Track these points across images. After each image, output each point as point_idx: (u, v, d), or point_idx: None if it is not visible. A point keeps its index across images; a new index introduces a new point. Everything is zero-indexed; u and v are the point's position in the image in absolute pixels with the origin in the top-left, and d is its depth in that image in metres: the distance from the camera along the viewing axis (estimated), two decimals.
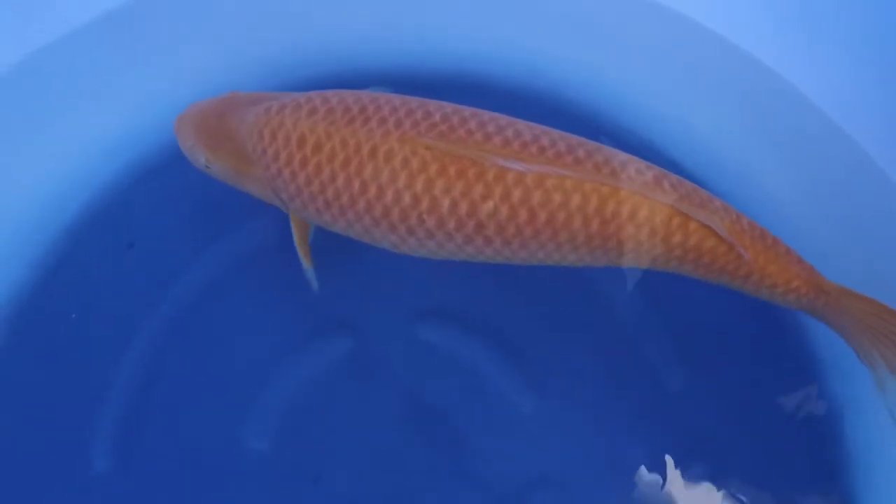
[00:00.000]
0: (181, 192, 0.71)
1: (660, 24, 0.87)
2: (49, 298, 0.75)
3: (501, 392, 0.72)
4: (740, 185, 0.80)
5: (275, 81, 0.82)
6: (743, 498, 0.68)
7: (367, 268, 0.69)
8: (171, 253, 0.77)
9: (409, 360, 0.73)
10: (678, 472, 0.68)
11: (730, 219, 0.59)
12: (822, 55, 0.81)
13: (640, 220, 0.58)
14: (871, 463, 0.70)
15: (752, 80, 0.85)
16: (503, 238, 0.60)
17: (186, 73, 0.82)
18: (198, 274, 0.76)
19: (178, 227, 0.77)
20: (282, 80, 0.83)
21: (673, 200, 0.58)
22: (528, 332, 0.74)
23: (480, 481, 0.69)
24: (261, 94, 0.69)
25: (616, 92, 0.86)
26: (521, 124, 0.60)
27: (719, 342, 0.75)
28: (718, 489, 0.68)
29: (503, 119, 0.60)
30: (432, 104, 0.61)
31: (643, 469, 0.69)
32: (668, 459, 0.69)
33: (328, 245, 0.69)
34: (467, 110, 0.61)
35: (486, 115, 0.61)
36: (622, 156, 0.60)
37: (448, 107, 0.61)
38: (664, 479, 0.68)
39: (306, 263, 0.68)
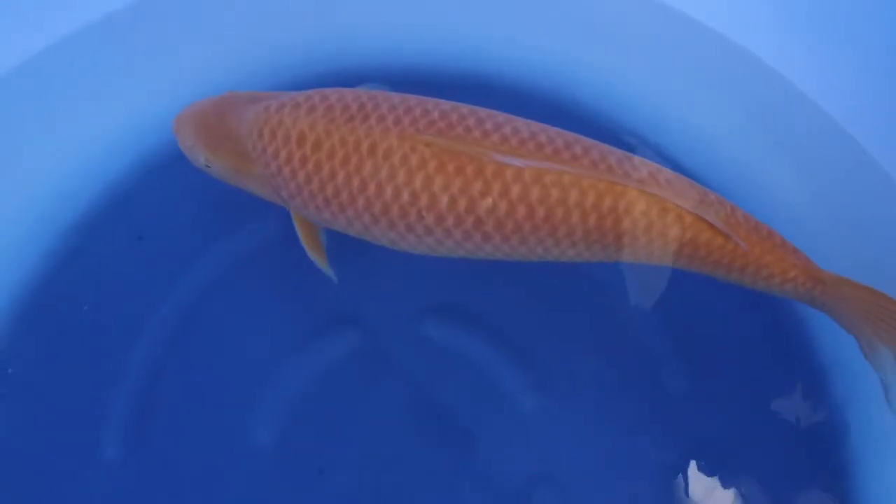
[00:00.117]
0: (191, 187, 0.72)
1: (662, 23, 0.88)
2: (61, 289, 0.76)
3: (506, 390, 0.72)
4: (741, 185, 0.80)
5: (275, 81, 0.83)
6: (746, 499, 0.69)
7: (376, 264, 0.70)
8: (181, 246, 0.78)
9: (415, 357, 0.74)
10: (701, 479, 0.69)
11: (725, 212, 0.60)
12: (823, 55, 0.81)
13: (637, 214, 0.59)
14: (874, 464, 0.70)
15: (754, 79, 0.85)
16: (502, 234, 0.60)
17: (189, 72, 0.83)
18: (207, 267, 0.77)
19: (188, 221, 0.77)
20: (281, 79, 0.83)
21: (668, 195, 0.59)
22: (534, 331, 0.75)
23: (483, 477, 0.70)
24: (259, 94, 0.69)
25: (618, 92, 0.86)
26: (519, 122, 0.61)
27: (723, 344, 0.76)
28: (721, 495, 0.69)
29: (500, 116, 0.61)
30: (430, 102, 0.62)
31: (670, 480, 0.69)
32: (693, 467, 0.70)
33: (336, 241, 0.69)
34: (465, 108, 0.61)
35: (484, 112, 0.61)
36: (618, 152, 0.61)
37: (446, 104, 0.61)
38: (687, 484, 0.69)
39: (319, 261, 0.69)
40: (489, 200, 0.58)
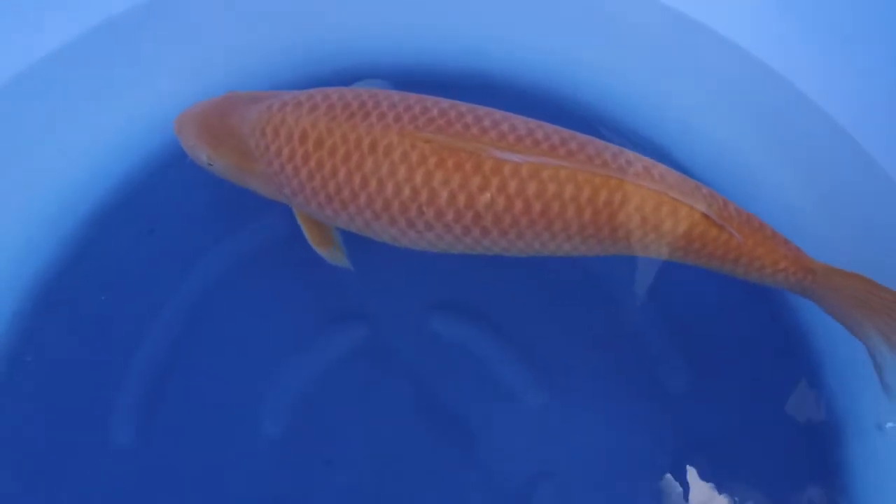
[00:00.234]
0: (203, 182, 0.72)
1: (667, 26, 0.88)
2: (75, 280, 0.77)
3: (510, 386, 0.73)
4: (744, 187, 0.80)
5: (277, 80, 0.84)
6: (744, 498, 0.70)
7: (382, 261, 0.71)
8: (193, 239, 0.79)
9: (421, 352, 0.75)
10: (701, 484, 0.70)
11: (717, 205, 0.62)
12: (828, 58, 0.82)
13: (631, 208, 0.60)
14: (872, 464, 0.71)
15: (758, 82, 0.86)
16: (500, 228, 0.62)
17: (197, 72, 0.84)
18: (218, 260, 0.78)
19: (200, 215, 0.78)
20: (282, 79, 0.84)
21: (662, 189, 0.60)
22: (538, 328, 0.76)
23: (486, 472, 0.71)
24: (260, 93, 0.70)
25: (621, 93, 0.87)
26: (516, 118, 0.62)
27: (724, 343, 0.77)
28: (721, 492, 0.70)
29: (498, 113, 0.62)
30: (429, 100, 0.63)
31: (670, 477, 0.70)
32: (692, 472, 0.70)
33: (343, 238, 0.70)
34: (463, 105, 0.63)
35: (482, 110, 0.63)
36: (613, 147, 0.62)
37: (444, 102, 0.63)
38: (686, 489, 0.70)
39: (328, 255, 0.70)
40: (487, 195, 0.60)
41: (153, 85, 0.84)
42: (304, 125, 0.62)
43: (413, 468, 0.71)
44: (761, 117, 0.85)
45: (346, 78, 0.74)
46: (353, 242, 0.69)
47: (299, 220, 0.69)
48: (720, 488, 0.70)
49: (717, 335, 0.78)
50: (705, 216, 0.61)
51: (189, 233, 0.79)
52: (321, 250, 0.70)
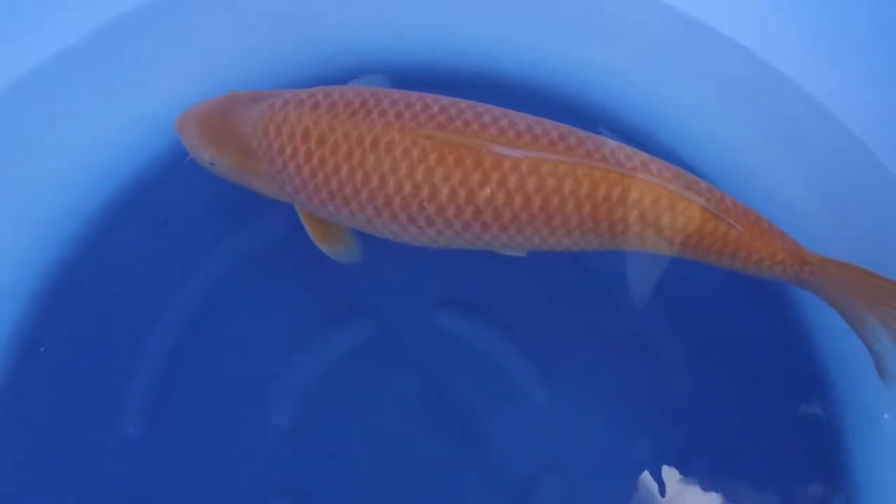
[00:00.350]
0: (211, 178, 0.73)
1: (670, 25, 0.88)
2: (87, 271, 0.78)
3: (515, 383, 0.74)
4: (750, 190, 0.79)
5: (280, 80, 0.84)
6: (746, 496, 0.70)
7: (391, 256, 0.71)
8: (205, 232, 0.79)
9: (428, 347, 0.75)
10: (679, 482, 0.70)
11: (715, 199, 0.62)
12: (837, 62, 0.82)
13: (630, 203, 0.61)
14: (875, 468, 0.71)
15: (762, 82, 0.86)
16: (500, 223, 0.62)
17: (203, 71, 0.84)
18: (226, 255, 0.78)
19: (213, 207, 0.79)
20: (290, 78, 0.84)
21: (660, 183, 0.61)
22: (544, 326, 0.76)
23: (490, 467, 0.71)
24: (261, 92, 0.71)
25: (623, 92, 0.87)
26: (515, 115, 0.63)
27: (729, 345, 0.77)
28: (723, 490, 0.70)
29: (497, 110, 0.63)
30: (429, 97, 0.64)
31: (647, 475, 0.70)
32: (669, 470, 0.71)
33: (354, 233, 0.71)
34: (463, 102, 0.63)
35: (482, 106, 0.63)
36: (611, 143, 0.63)
37: (445, 100, 0.63)
38: (663, 487, 0.70)
39: (332, 251, 0.70)
40: (487, 190, 0.60)
41: (159, 84, 0.84)
42: (306, 123, 0.63)
43: (417, 463, 0.71)
44: (765, 117, 0.85)
45: (346, 78, 0.74)
46: (360, 239, 0.70)
47: (302, 219, 0.70)
48: (723, 486, 0.70)
49: (722, 333, 0.78)
50: (703, 210, 0.61)
51: (200, 228, 0.80)
52: (325, 247, 0.70)
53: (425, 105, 0.62)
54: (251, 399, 0.73)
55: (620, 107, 0.86)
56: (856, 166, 0.80)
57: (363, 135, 0.61)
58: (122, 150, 0.82)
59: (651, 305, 0.77)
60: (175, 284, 0.77)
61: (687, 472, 0.71)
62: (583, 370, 0.75)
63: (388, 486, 0.70)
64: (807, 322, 0.77)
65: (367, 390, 0.74)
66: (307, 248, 0.70)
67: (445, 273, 0.77)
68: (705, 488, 0.70)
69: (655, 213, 0.61)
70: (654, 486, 0.70)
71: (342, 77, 0.74)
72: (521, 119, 0.62)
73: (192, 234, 0.80)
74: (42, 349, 0.74)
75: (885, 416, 0.72)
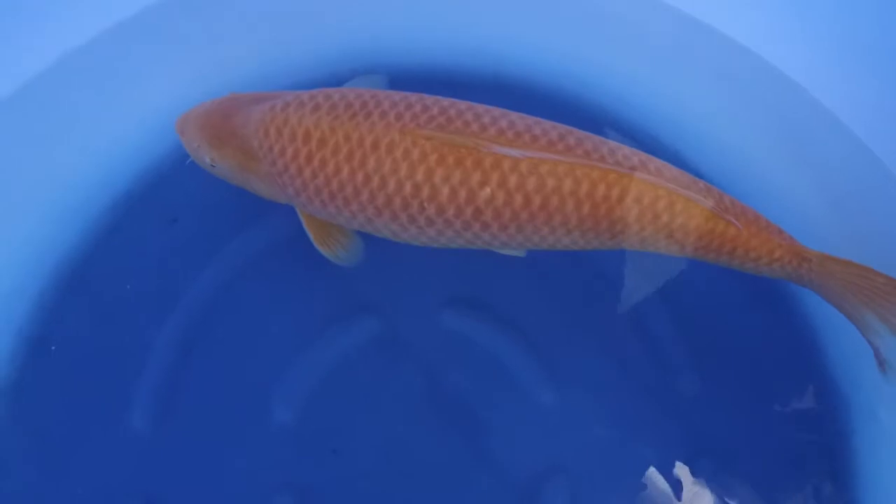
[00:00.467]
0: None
1: (671, 26, 0.89)
2: (97, 267, 0.78)
3: (521, 383, 0.74)
4: (758, 195, 0.79)
5: (283, 82, 0.85)
6: (750, 500, 0.70)
7: (398, 255, 0.72)
8: (214, 230, 0.80)
9: (433, 346, 0.76)
10: (691, 483, 0.71)
11: (713, 197, 0.63)
12: (846, 69, 0.81)
13: (629, 202, 0.61)
14: (880, 473, 0.71)
15: (777, 92, 0.86)
16: (500, 223, 0.63)
17: (214, 72, 0.85)
18: (236, 252, 0.79)
19: (222, 205, 0.80)
20: (290, 80, 0.85)
21: (659, 183, 0.61)
22: (550, 326, 0.77)
23: (495, 466, 0.71)
24: (262, 94, 0.71)
25: (624, 93, 0.88)
26: (514, 115, 0.63)
27: (735, 346, 0.78)
28: (727, 492, 0.71)
29: (497, 111, 0.64)
30: (429, 98, 0.64)
31: (654, 471, 0.71)
32: (682, 468, 0.71)
33: (358, 235, 0.71)
34: (462, 103, 0.64)
35: (481, 107, 0.64)
36: (610, 143, 0.63)
37: (444, 101, 0.64)
38: (676, 487, 0.71)
39: (331, 255, 0.70)
40: (487, 190, 0.61)
41: (168, 83, 0.85)
42: (306, 125, 0.63)
43: (421, 461, 0.72)
44: (768, 118, 0.85)
45: (346, 79, 0.75)
46: (365, 240, 0.70)
47: (303, 221, 0.70)
48: (727, 488, 0.71)
49: (727, 334, 0.78)
50: (702, 209, 0.62)
51: (209, 226, 0.81)
52: (324, 250, 0.70)
53: (425, 106, 0.63)
54: (257, 396, 0.73)
55: (621, 107, 0.87)
56: (863, 171, 0.81)
57: (364, 136, 0.62)
58: (131, 149, 0.83)
59: (657, 306, 0.77)
60: (184, 282, 0.77)
61: (694, 472, 0.71)
62: (588, 369, 0.75)
63: (391, 484, 0.71)
64: (812, 324, 0.77)
65: (371, 389, 0.74)
66: (313, 247, 0.70)
67: (451, 272, 0.77)
68: (712, 489, 0.70)
69: (654, 213, 0.62)
70: (665, 486, 0.70)
71: (342, 78, 0.74)
72: (521, 119, 0.63)
73: (201, 233, 0.80)
74: (53, 348, 0.75)
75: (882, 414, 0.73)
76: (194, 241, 0.80)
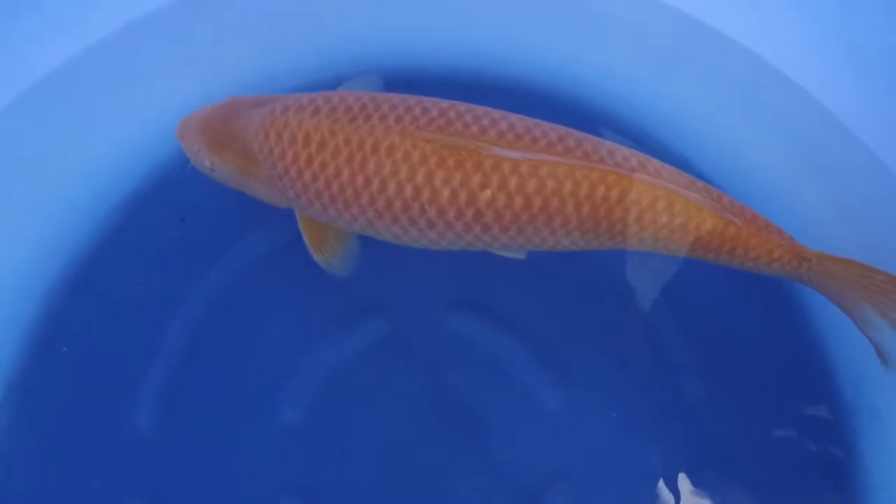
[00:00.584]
0: None
1: (671, 27, 0.89)
2: (105, 265, 0.79)
3: (527, 386, 0.74)
4: (767, 202, 0.77)
5: (284, 85, 0.85)
6: None
7: (405, 257, 0.72)
8: (221, 229, 0.80)
9: (440, 348, 0.76)
10: (691, 493, 0.71)
11: (712, 198, 0.63)
12: (855, 77, 0.81)
13: (628, 203, 0.62)
14: (887, 482, 0.71)
15: (769, 86, 0.86)
16: (501, 225, 0.63)
17: (222, 74, 0.86)
18: (244, 252, 0.79)
19: (229, 206, 0.80)
20: (290, 83, 0.85)
21: (658, 183, 0.62)
22: (558, 331, 0.77)
23: (500, 469, 0.72)
24: (262, 97, 0.71)
25: (624, 93, 0.88)
26: (514, 117, 0.64)
27: (742, 351, 0.78)
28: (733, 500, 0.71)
29: (496, 113, 0.64)
30: (428, 101, 0.64)
31: (662, 483, 0.71)
32: (683, 478, 0.71)
33: (360, 237, 0.71)
34: (462, 105, 0.64)
35: (480, 109, 0.64)
36: (609, 144, 0.63)
37: (443, 103, 0.64)
38: (676, 497, 0.71)
39: (324, 262, 0.71)
40: (488, 192, 0.61)
41: (177, 84, 0.86)
42: (306, 128, 0.64)
43: (426, 463, 0.72)
44: (770, 119, 0.85)
45: (345, 81, 0.75)
46: (369, 240, 0.70)
47: (301, 227, 0.70)
48: (732, 496, 0.71)
49: (734, 339, 0.78)
50: (701, 208, 0.62)
51: (217, 225, 0.81)
52: (318, 257, 0.71)
53: (424, 109, 0.63)
54: (263, 396, 0.74)
55: (621, 108, 0.87)
56: (869, 177, 0.80)
57: (363, 139, 0.62)
58: (139, 148, 0.83)
59: (661, 309, 0.77)
60: (191, 281, 0.78)
61: (697, 478, 0.71)
62: (591, 372, 0.75)
63: (396, 485, 0.71)
64: (827, 340, 0.77)
65: (377, 390, 0.74)
66: None
67: (456, 274, 0.78)
68: (715, 495, 0.70)
69: (653, 213, 0.62)
70: (668, 495, 0.71)
71: (343, 79, 0.74)
72: (520, 121, 0.63)
73: (208, 232, 0.81)
74: (65, 349, 0.75)
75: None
76: (201, 241, 0.80)
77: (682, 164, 0.67)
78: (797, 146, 0.83)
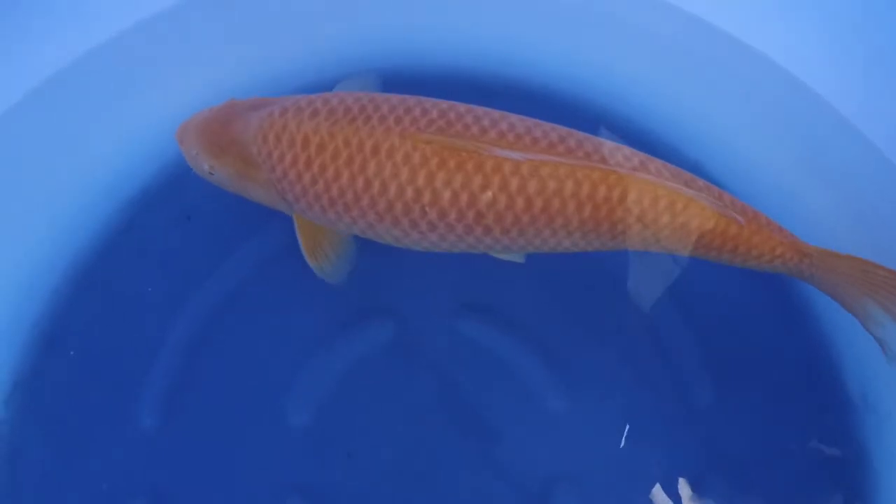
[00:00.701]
0: None
1: (671, 27, 0.88)
2: (110, 264, 0.79)
3: (534, 390, 0.74)
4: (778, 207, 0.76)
5: (284, 86, 0.85)
6: None
7: (413, 259, 0.71)
8: (227, 229, 0.80)
9: (447, 351, 0.75)
10: (690, 499, 0.70)
11: (713, 196, 0.63)
12: (868, 80, 0.81)
13: (629, 203, 0.61)
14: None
15: (771, 86, 0.86)
16: (502, 226, 0.63)
17: (229, 74, 0.86)
18: (251, 250, 0.79)
19: (235, 206, 0.79)
20: (291, 85, 0.85)
21: (659, 182, 0.61)
22: (565, 335, 0.76)
23: (506, 472, 0.71)
24: (260, 100, 0.71)
25: (625, 94, 0.87)
26: (514, 117, 0.63)
27: (751, 356, 0.77)
28: None
29: (496, 113, 0.63)
30: (428, 102, 0.64)
31: (658, 488, 0.71)
32: (683, 484, 0.71)
33: (362, 239, 0.71)
34: (461, 106, 0.64)
35: (480, 110, 0.64)
36: (610, 144, 0.63)
37: (443, 104, 0.64)
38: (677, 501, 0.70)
39: (318, 269, 0.70)
40: (489, 194, 0.61)
41: (182, 85, 0.85)
42: (305, 130, 0.63)
43: (433, 465, 0.72)
44: (772, 120, 0.85)
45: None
46: (372, 243, 0.70)
47: (298, 231, 0.70)
48: (739, 500, 0.71)
49: (743, 343, 0.78)
50: (702, 207, 0.62)
51: (223, 224, 0.81)
52: (312, 262, 0.70)
53: (424, 110, 0.62)
54: (269, 397, 0.73)
55: (621, 108, 0.86)
56: (887, 187, 0.80)
57: (363, 141, 0.61)
58: (145, 148, 0.83)
59: (670, 313, 0.77)
60: (197, 280, 0.78)
61: (704, 482, 0.71)
62: (603, 383, 0.75)
63: (402, 487, 0.71)
64: (827, 331, 0.77)
65: (384, 392, 0.74)
66: None
67: (465, 277, 0.77)
68: (721, 500, 0.70)
69: (655, 213, 0.62)
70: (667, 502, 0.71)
71: (341, 81, 0.74)
72: (520, 122, 0.63)
73: (215, 231, 0.80)
74: (72, 353, 0.76)
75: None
76: (208, 241, 0.80)
77: (683, 163, 0.66)
78: (800, 145, 0.83)
